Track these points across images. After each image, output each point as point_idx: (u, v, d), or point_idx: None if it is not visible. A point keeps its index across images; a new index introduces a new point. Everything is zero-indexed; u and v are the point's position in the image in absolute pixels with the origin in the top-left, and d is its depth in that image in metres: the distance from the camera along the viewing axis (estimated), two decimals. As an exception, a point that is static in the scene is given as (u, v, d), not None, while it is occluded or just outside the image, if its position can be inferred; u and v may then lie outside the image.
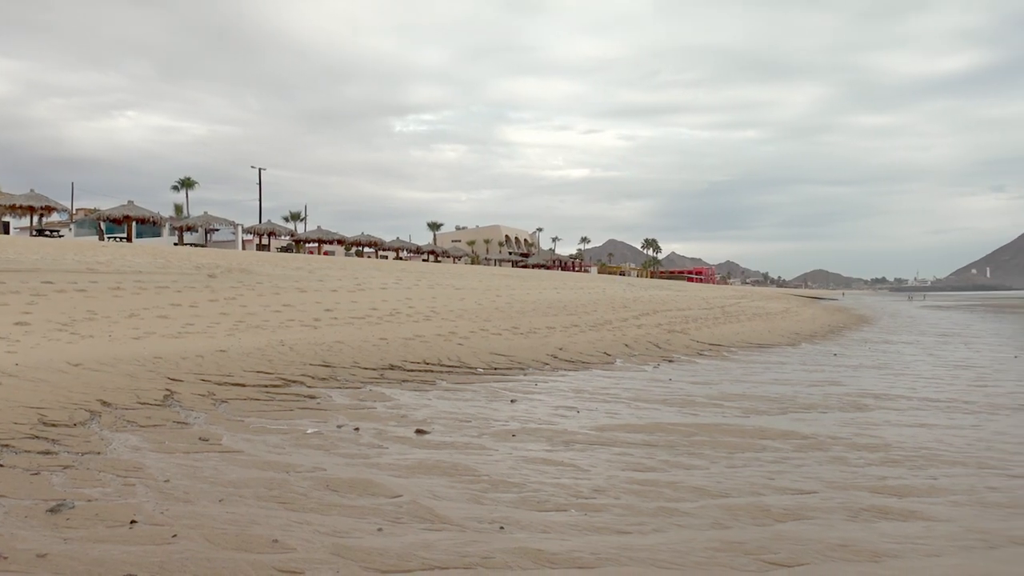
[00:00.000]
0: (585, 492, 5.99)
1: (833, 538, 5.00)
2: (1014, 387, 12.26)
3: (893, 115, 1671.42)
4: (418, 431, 8.10)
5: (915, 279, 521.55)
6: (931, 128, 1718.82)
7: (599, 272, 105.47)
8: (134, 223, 49.08)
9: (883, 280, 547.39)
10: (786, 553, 4.75)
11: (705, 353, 17.43)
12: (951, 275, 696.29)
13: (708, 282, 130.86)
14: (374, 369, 12.21)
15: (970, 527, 5.26)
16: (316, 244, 66.20)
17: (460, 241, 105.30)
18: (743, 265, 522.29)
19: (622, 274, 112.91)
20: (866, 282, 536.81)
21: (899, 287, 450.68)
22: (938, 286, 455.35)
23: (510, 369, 13.33)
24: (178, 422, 8.12)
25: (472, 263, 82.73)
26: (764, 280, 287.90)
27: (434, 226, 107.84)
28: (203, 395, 9.43)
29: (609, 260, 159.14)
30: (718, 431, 8.38)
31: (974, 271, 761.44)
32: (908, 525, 5.31)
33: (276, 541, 4.77)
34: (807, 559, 4.67)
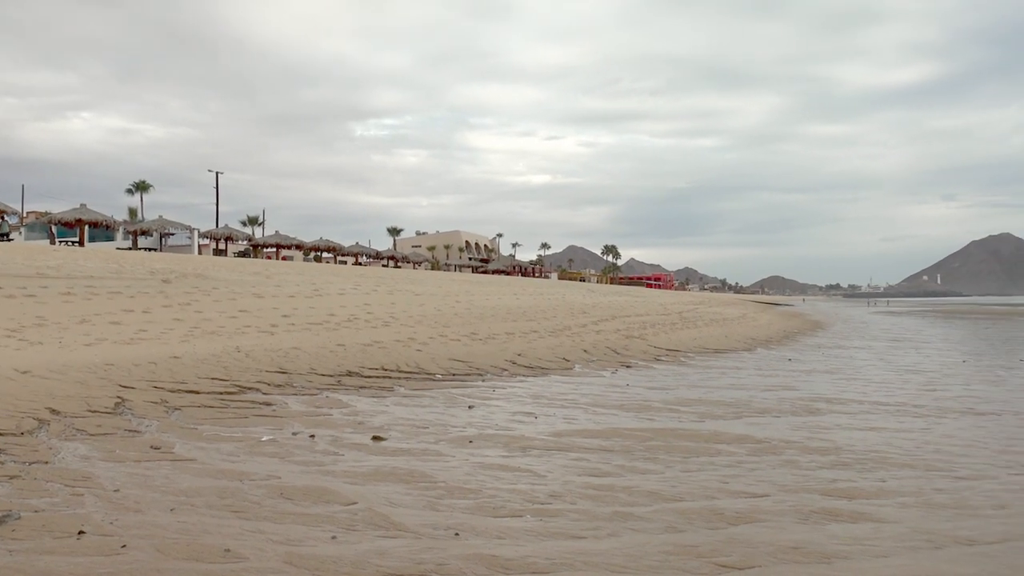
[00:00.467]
0: (541, 497, 6.01)
1: (784, 540, 5.08)
2: (961, 391, 12.55)
3: (847, 125, 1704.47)
4: (375, 438, 8.06)
5: (868, 285, 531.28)
6: (884, 138, 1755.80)
7: (559, 278, 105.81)
8: (87, 227, 48.09)
9: (837, 286, 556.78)
10: (738, 556, 4.81)
11: (662, 358, 17.58)
12: (903, 282, 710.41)
13: (667, 288, 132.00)
14: (331, 375, 12.12)
15: (916, 528, 5.37)
16: (274, 249, 65.51)
17: (420, 246, 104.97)
18: (701, 271, 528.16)
19: (582, 280, 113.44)
20: (821, 288, 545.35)
21: (852, 293, 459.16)
22: (890, 292, 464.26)
23: (468, 375, 13.32)
24: (129, 430, 7.98)
25: (432, 268, 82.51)
26: (722, 286, 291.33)
27: (394, 231, 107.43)
28: (156, 403, 9.28)
29: (569, 266, 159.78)
30: (674, 436, 8.46)
31: (925, 278, 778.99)
32: (857, 527, 5.41)
33: (228, 550, 4.71)
34: (758, 561, 4.73)
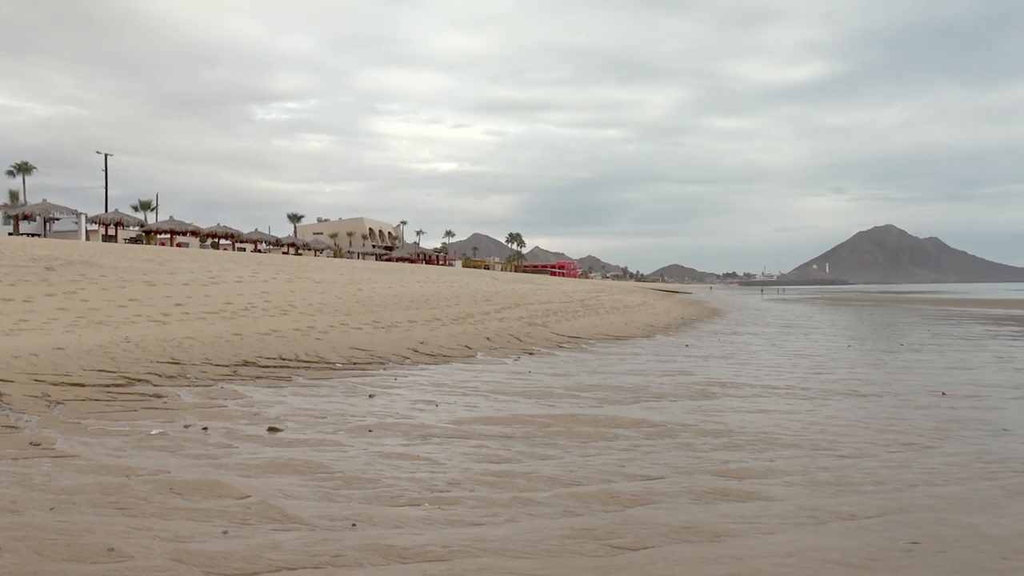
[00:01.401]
0: (440, 486, 5.99)
1: (678, 521, 5.21)
2: (846, 374, 13.14)
3: (745, 119, 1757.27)
4: (270, 429, 7.87)
5: (763, 274, 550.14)
6: (779, 132, 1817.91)
7: (464, 266, 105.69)
8: (-38, 212, 45.30)
9: (734, 275, 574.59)
10: (632, 537, 4.90)
11: (564, 345, 17.78)
12: (794, 270, 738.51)
13: (570, 276, 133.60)
14: (227, 366, 11.78)
15: (802, 505, 5.59)
16: (168, 235, 63.21)
17: (322, 234, 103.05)
18: (604, 260, 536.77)
19: (486, 268, 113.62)
20: (719, 276, 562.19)
21: (748, 281, 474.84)
22: (783, 280, 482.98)
23: (370, 364, 13.17)
24: (7, 426, 7.56)
25: (334, 256, 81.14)
26: (624, 275, 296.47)
27: (295, 218, 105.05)
28: (36, 396, 8.82)
29: (474, 254, 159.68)
30: (573, 421, 8.56)
31: (815, 267, 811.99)
32: (746, 505, 5.59)
33: (112, 549, 4.52)
34: (653, 542, 4.83)
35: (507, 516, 5.29)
